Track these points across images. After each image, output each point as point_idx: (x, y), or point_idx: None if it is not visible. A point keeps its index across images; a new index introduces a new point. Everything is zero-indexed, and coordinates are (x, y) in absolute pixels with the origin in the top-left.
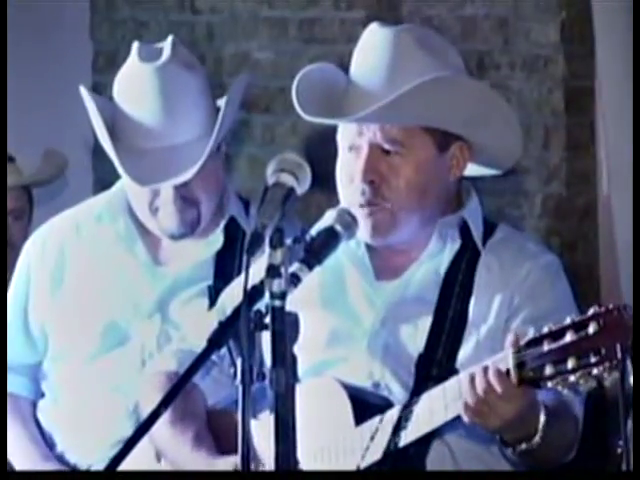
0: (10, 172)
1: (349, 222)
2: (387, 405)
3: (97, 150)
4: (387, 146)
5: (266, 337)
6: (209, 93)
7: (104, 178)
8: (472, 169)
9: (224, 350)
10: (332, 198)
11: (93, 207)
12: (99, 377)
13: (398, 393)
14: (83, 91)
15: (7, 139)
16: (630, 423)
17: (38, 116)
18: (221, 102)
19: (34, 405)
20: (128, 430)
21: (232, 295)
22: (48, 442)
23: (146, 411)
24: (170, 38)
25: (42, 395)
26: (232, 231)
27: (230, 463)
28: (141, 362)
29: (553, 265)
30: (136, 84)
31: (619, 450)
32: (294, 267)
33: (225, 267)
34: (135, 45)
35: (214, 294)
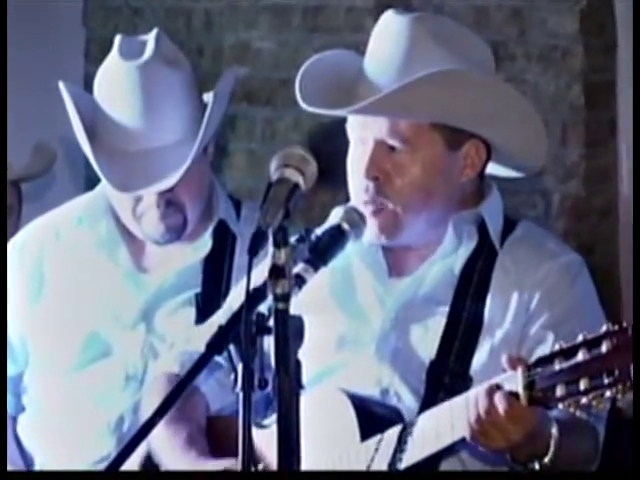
0: None
1: (357, 220)
2: (395, 416)
3: None
4: (392, 142)
5: (269, 342)
6: (195, 91)
7: (97, 176)
8: (496, 169)
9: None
10: (337, 197)
11: (73, 210)
12: (80, 391)
13: (408, 401)
14: (62, 87)
15: (7, 139)
16: None
17: (28, 107)
18: (208, 96)
19: (14, 420)
20: (111, 447)
21: (239, 297)
22: (27, 461)
23: (144, 416)
24: (154, 31)
25: (23, 409)
26: (221, 235)
27: (220, 465)
28: (125, 376)
29: (574, 265)
30: (116, 83)
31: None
32: (298, 268)
33: (214, 273)
34: (117, 39)
35: (202, 302)
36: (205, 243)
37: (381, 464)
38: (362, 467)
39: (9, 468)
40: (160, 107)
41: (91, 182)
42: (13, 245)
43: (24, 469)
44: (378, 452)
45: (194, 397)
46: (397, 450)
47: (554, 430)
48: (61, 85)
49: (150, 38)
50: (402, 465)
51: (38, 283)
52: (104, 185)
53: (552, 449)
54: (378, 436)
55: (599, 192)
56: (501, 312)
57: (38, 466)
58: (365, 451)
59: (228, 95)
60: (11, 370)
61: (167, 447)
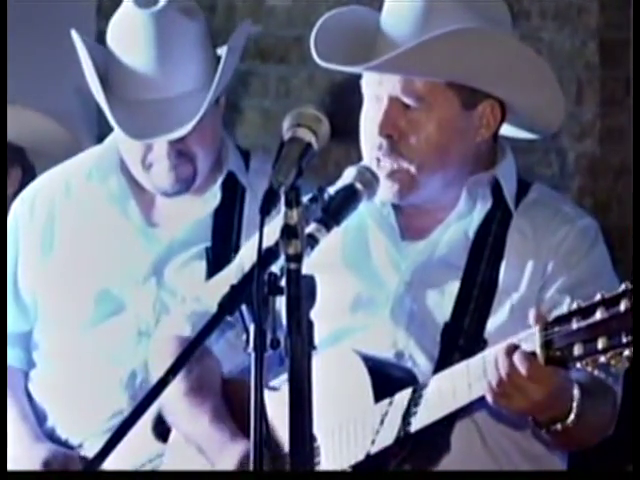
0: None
1: (370, 180)
2: (410, 378)
3: None
4: (407, 100)
5: (281, 302)
6: (209, 42)
7: (110, 131)
8: (511, 130)
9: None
10: (351, 155)
11: (83, 164)
12: (92, 346)
13: (422, 364)
14: (74, 35)
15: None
16: None
17: (39, 66)
18: (221, 51)
19: (26, 376)
20: (123, 402)
21: (250, 255)
22: (39, 416)
23: (153, 378)
24: None
25: (34, 365)
26: (231, 187)
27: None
28: (137, 331)
29: (591, 229)
30: (131, 31)
31: None
32: (311, 228)
33: (224, 226)
34: None
35: (212, 256)
36: (214, 195)
37: (391, 427)
38: (372, 430)
39: (19, 426)
40: (174, 56)
41: (104, 138)
42: (23, 198)
43: (36, 427)
44: (387, 415)
45: (209, 362)
46: (407, 413)
47: (575, 391)
48: (74, 34)
49: None
50: (413, 428)
51: (49, 237)
52: (114, 137)
53: (574, 411)
54: (388, 399)
55: (615, 151)
56: (517, 275)
57: (51, 422)
58: (376, 414)
59: (241, 49)
60: (22, 326)
61: (193, 419)
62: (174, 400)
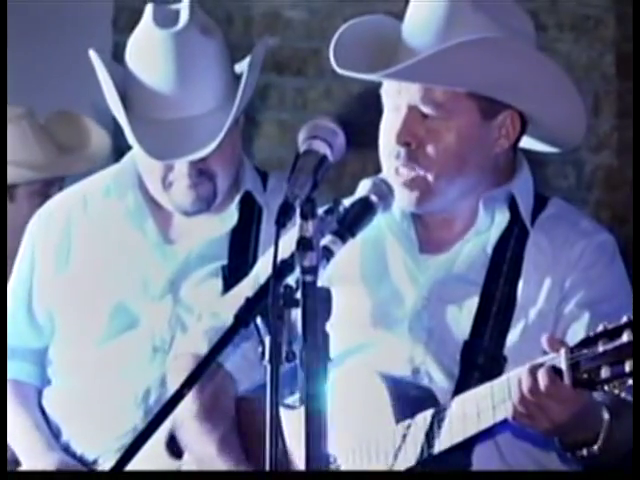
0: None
1: (385, 192)
2: (428, 397)
3: None
4: (426, 109)
5: (296, 314)
6: (228, 60)
7: (126, 145)
8: (532, 144)
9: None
10: (367, 167)
11: (101, 181)
12: (107, 363)
13: (439, 381)
14: (92, 55)
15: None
16: None
17: (56, 79)
18: (239, 66)
19: (40, 392)
20: (137, 419)
21: (266, 267)
22: (54, 431)
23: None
24: (187, 0)
25: (48, 382)
26: (247, 207)
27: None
28: (152, 348)
29: (609, 244)
30: (151, 50)
31: None
32: (326, 240)
33: (240, 245)
34: (149, 7)
35: (228, 274)
36: (231, 215)
37: (413, 448)
38: (392, 450)
39: (33, 437)
40: (194, 75)
41: (120, 153)
42: (40, 215)
43: (51, 439)
44: (407, 437)
45: (223, 382)
46: (429, 435)
47: (605, 415)
48: (92, 53)
49: (183, 7)
50: (436, 449)
51: (65, 254)
52: (133, 155)
53: (602, 435)
54: (408, 421)
55: (632, 163)
56: (535, 291)
57: (65, 435)
58: (396, 435)
59: (260, 65)
60: (35, 343)
61: (202, 444)
62: (186, 422)
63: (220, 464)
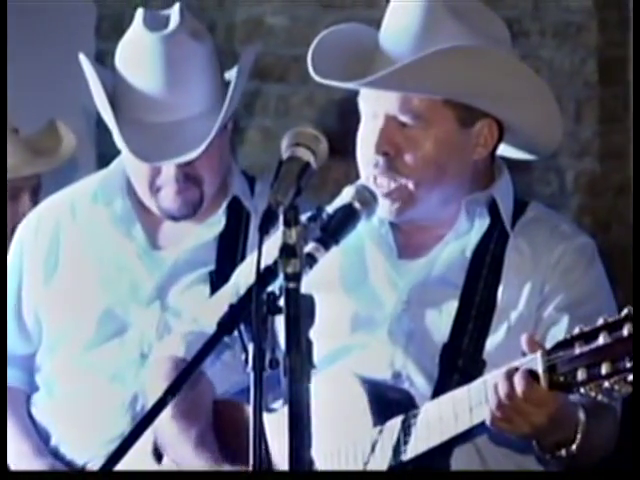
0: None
1: (369, 199)
2: (407, 400)
3: (101, 123)
4: (404, 118)
5: (280, 321)
6: (217, 65)
7: (108, 152)
8: (509, 151)
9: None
10: (350, 174)
11: (89, 187)
12: (95, 369)
13: (420, 385)
14: (82, 59)
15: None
16: None
17: (38, 86)
18: (229, 74)
19: (28, 398)
20: (125, 425)
21: (246, 274)
22: (43, 436)
23: (149, 400)
24: (177, 5)
25: (37, 388)
26: (235, 212)
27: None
28: (139, 353)
29: (588, 248)
30: (141, 54)
31: None
32: (309, 247)
33: (228, 250)
34: (140, 11)
35: (216, 279)
36: (219, 220)
37: (382, 456)
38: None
39: (22, 442)
40: (184, 79)
41: (103, 159)
42: (29, 221)
43: (40, 444)
44: (378, 443)
45: (201, 385)
46: (401, 440)
47: (581, 415)
48: (81, 57)
49: (174, 11)
50: (408, 455)
51: (54, 260)
52: (120, 160)
53: (579, 435)
54: (378, 427)
55: (614, 169)
56: (515, 294)
57: (54, 440)
58: (368, 441)
59: (248, 72)
60: (23, 349)
61: (178, 443)
62: (163, 424)
63: (196, 462)
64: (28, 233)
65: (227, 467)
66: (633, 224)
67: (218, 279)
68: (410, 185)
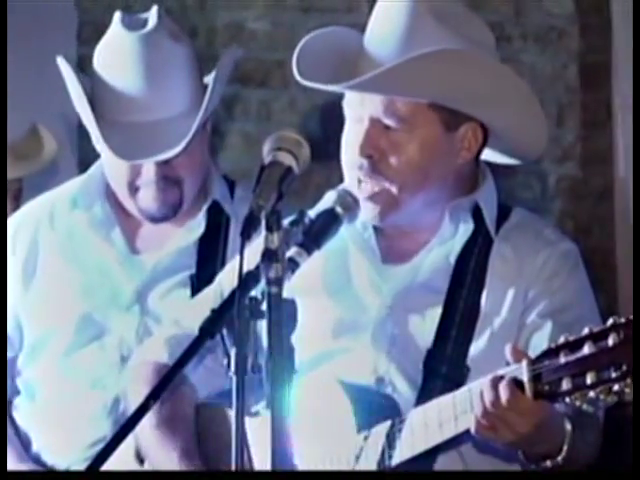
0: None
1: (350, 204)
2: (391, 406)
3: (82, 127)
4: (388, 121)
5: (262, 326)
6: (196, 66)
7: (89, 157)
8: (494, 156)
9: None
10: (332, 178)
11: (68, 192)
12: (75, 373)
13: (403, 390)
14: (61, 61)
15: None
16: None
17: (19, 91)
18: (209, 79)
19: (10, 403)
20: (106, 429)
21: (229, 278)
22: (24, 441)
23: (130, 404)
24: (155, 8)
25: (17, 392)
26: (215, 216)
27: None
28: (119, 357)
29: (572, 254)
30: (119, 53)
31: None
32: (292, 251)
33: (208, 254)
34: (117, 15)
35: (196, 283)
36: (199, 224)
37: (368, 463)
38: (360, 459)
39: (7, 447)
40: (163, 79)
41: (84, 165)
42: (8, 227)
43: (21, 449)
44: (364, 450)
45: (183, 392)
46: (386, 447)
47: (568, 427)
48: (60, 60)
49: (151, 13)
50: (394, 461)
51: (32, 265)
52: (99, 165)
53: (566, 447)
54: (364, 433)
55: (596, 174)
56: (499, 300)
57: (35, 445)
58: (354, 447)
59: (229, 73)
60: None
61: (162, 453)
62: (146, 432)
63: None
64: (8, 238)
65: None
66: (633, 224)
67: (199, 283)
68: (394, 189)
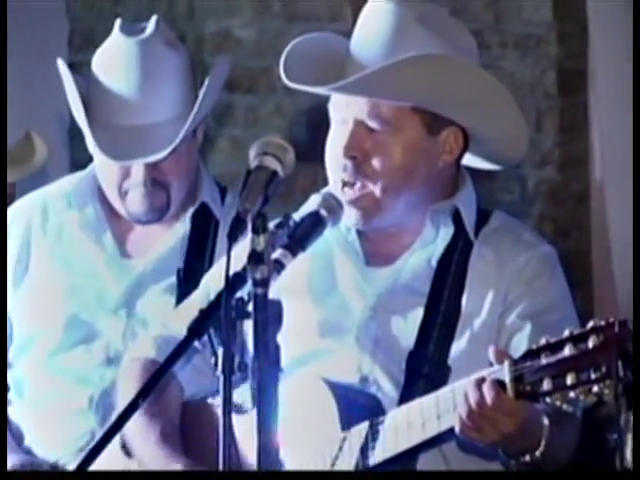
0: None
1: (334, 206)
2: (375, 405)
3: (73, 131)
4: (372, 124)
5: (249, 326)
6: (190, 74)
7: (81, 159)
8: (475, 161)
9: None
10: (317, 182)
11: (62, 190)
12: (62, 372)
13: (387, 389)
14: (60, 64)
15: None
16: (624, 416)
17: (12, 96)
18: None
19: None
20: (92, 423)
21: (216, 280)
22: (16, 434)
23: (120, 400)
24: (154, 17)
25: (9, 388)
26: (204, 219)
27: (189, 467)
28: (106, 358)
29: (551, 257)
30: (117, 56)
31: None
32: (277, 253)
33: (196, 258)
34: (118, 21)
35: (184, 286)
36: (183, 225)
37: (349, 460)
38: (345, 457)
39: None
40: (157, 83)
41: (76, 168)
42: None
43: (12, 442)
44: (344, 448)
45: (170, 387)
46: (366, 446)
47: (545, 421)
48: (59, 62)
49: (150, 21)
50: (374, 460)
51: (24, 262)
52: (94, 166)
53: (543, 442)
54: (342, 434)
55: (574, 178)
56: (479, 301)
57: (27, 439)
58: (335, 446)
59: (223, 80)
60: None
61: (142, 441)
62: (132, 425)
63: (157, 453)
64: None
65: (183, 462)
66: (633, 224)
67: (187, 285)
68: (377, 192)
